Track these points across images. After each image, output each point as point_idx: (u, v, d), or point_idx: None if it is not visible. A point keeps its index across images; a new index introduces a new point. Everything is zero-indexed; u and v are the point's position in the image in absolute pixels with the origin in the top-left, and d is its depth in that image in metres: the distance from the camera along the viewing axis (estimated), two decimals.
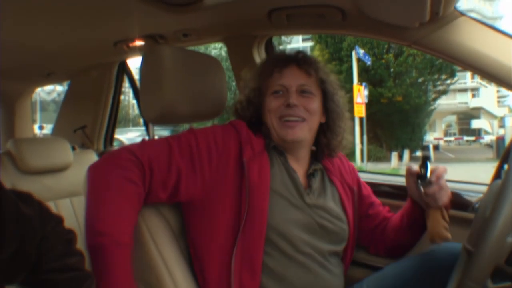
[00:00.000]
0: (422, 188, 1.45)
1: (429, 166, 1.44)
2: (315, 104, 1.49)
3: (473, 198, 1.65)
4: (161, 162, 1.32)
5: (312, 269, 1.38)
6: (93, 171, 1.29)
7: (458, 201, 1.66)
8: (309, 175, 1.52)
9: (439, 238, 1.38)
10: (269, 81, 1.51)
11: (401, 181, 1.90)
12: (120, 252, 1.19)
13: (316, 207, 1.45)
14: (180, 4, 1.78)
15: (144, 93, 1.61)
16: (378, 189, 1.89)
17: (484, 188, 1.65)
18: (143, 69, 1.60)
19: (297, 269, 1.36)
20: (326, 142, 1.56)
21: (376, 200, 1.69)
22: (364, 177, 2.00)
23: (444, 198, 1.42)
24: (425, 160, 1.47)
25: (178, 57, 1.57)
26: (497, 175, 1.30)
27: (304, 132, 1.48)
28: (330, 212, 1.47)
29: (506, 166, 1.23)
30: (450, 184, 1.75)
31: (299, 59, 1.52)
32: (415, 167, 1.50)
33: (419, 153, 19.98)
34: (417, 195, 1.51)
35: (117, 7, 1.90)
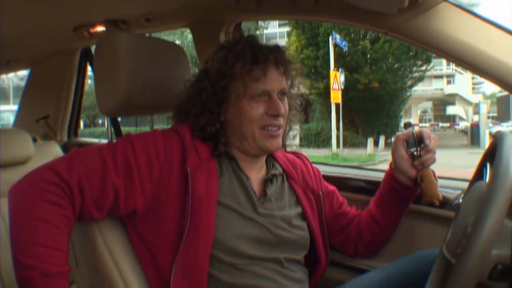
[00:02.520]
0: (414, 154, 1.44)
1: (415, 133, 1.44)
2: (286, 104, 1.37)
3: (451, 194, 1.58)
4: (94, 182, 1.17)
5: (269, 277, 1.28)
6: (12, 194, 1.14)
7: None
8: (267, 181, 1.40)
9: (437, 198, 1.40)
10: (250, 83, 1.30)
11: (372, 175, 1.85)
12: (51, 284, 1.06)
13: (272, 216, 1.33)
14: None
15: (99, 84, 1.51)
16: (349, 184, 1.81)
17: (462, 184, 1.59)
18: (97, 57, 1.51)
19: (252, 279, 1.26)
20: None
21: (344, 199, 1.61)
22: (333, 171, 1.94)
23: (433, 159, 1.42)
24: (410, 127, 1.46)
25: (134, 44, 1.47)
26: (478, 176, 1.21)
27: (281, 139, 1.37)
28: (287, 220, 1.37)
29: (488, 166, 1.14)
30: None
31: (277, 57, 1.34)
32: (404, 134, 1.45)
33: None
34: (405, 163, 1.45)
35: None
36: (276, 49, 1.35)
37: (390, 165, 1.51)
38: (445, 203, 1.57)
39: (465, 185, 1.56)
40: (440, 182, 1.67)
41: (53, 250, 1.08)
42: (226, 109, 1.34)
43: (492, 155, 1.05)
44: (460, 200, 1.50)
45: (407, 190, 1.47)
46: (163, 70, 1.56)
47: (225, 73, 1.32)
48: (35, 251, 1.06)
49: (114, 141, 1.30)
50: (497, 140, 1.04)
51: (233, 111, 1.33)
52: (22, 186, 1.14)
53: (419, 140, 1.42)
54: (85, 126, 26.96)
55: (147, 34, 2.27)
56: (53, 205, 1.10)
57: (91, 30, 2.27)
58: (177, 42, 19.36)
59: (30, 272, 1.04)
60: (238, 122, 1.32)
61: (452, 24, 1.34)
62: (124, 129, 2.53)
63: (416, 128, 1.45)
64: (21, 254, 1.06)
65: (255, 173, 1.40)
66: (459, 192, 1.57)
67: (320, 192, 1.52)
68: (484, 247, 0.85)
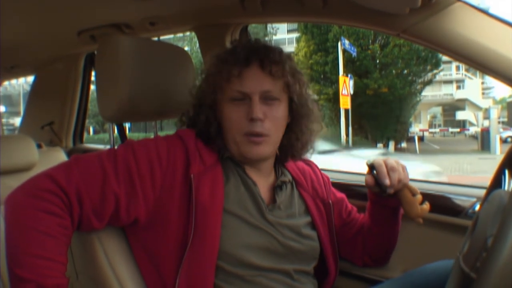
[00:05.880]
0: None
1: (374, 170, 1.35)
2: (280, 110, 1.29)
3: (466, 202, 1.53)
4: (93, 191, 1.11)
5: None
6: (8, 203, 1.08)
7: (448, 206, 1.57)
8: (276, 188, 1.35)
9: (418, 216, 1.34)
10: (226, 85, 1.27)
11: None
12: None
13: (280, 225, 1.27)
14: None
15: (100, 88, 1.47)
16: (358, 191, 1.75)
17: (476, 191, 1.53)
18: (98, 61, 1.47)
19: None
20: (288, 144, 1.37)
21: (353, 207, 1.56)
22: (342, 178, 1.89)
23: (398, 178, 1.31)
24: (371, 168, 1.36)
25: (136, 47, 1.43)
26: (496, 183, 1.15)
27: (270, 148, 1.29)
28: (297, 230, 1.31)
29: (507, 174, 1.08)
30: (439, 187, 1.63)
31: (262, 57, 1.26)
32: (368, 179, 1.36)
33: (404, 145, 20.12)
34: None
35: None
36: (262, 48, 1.29)
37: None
38: (460, 211, 1.53)
39: (479, 192, 1.51)
40: (453, 189, 1.62)
41: (50, 261, 1.02)
42: (218, 112, 1.31)
43: (511, 162, 1.00)
44: (477, 209, 1.45)
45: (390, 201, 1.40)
46: (166, 74, 1.52)
47: (208, 76, 1.31)
48: (31, 263, 1.01)
49: (115, 147, 1.25)
50: None
51: (220, 115, 1.29)
52: (18, 195, 1.09)
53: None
54: (94, 132, 27.04)
55: (155, 39, 2.25)
56: (50, 215, 1.05)
57: (95, 35, 2.24)
58: (186, 48, 19.40)
59: (26, 286, 0.99)
60: (223, 125, 1.29)
61: (467, 25, 1.28)
62: (133, 135, 2.48)
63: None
64: (16, 266, 1.01)
65: (263, 180, 1.34)
66: (474, 200, 1.51)
67: (330, 201, 1.47)
68: (508, 261, 0.79)
